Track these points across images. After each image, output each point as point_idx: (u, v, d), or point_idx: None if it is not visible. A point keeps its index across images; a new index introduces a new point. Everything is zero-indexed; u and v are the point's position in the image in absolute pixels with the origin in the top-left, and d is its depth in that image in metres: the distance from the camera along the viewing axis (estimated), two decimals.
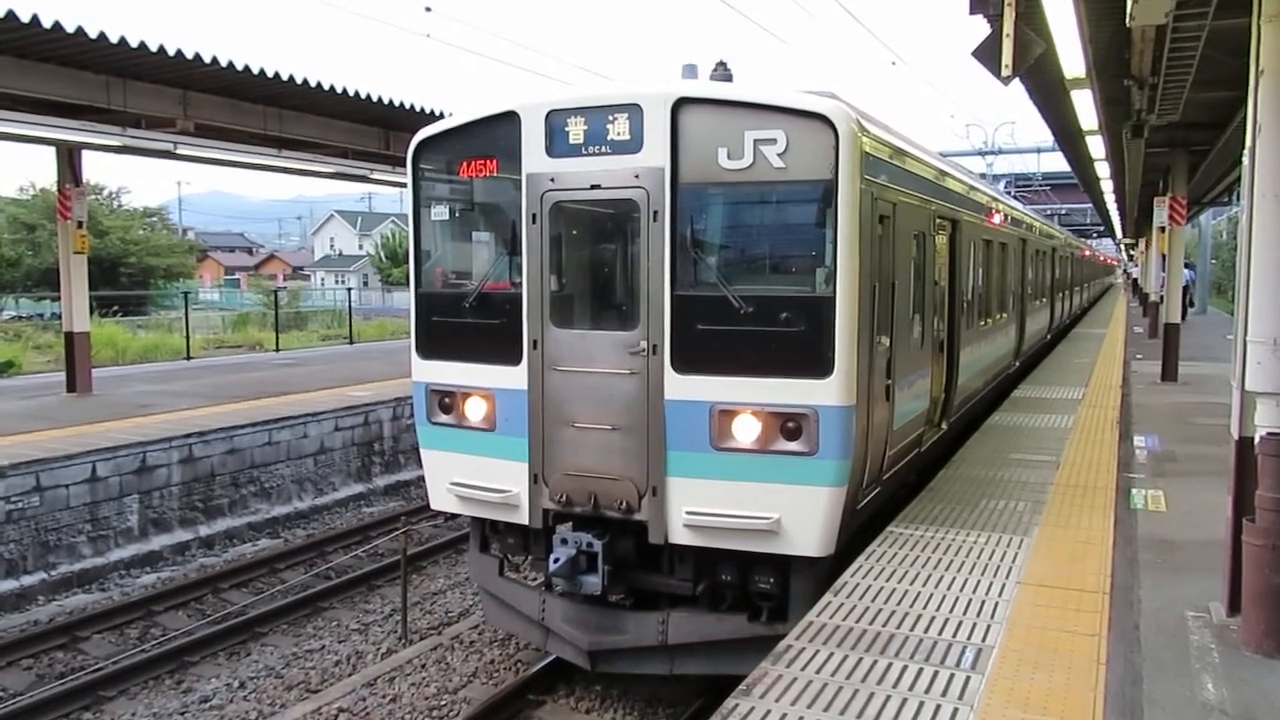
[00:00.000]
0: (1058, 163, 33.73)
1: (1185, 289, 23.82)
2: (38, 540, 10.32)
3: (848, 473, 6.36)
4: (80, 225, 15.01)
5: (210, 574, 10.95)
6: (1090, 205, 40.54)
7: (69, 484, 10.65)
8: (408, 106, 14.14)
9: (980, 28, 7.10)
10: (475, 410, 7.35)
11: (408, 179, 7.70)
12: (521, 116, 6.91)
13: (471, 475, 7.36)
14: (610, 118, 6.62)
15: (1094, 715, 4.36)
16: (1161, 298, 19.30)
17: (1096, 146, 14.56)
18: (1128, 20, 5.92)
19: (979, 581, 6.11)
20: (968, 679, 4.71)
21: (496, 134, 7.12)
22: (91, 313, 17.45)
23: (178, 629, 9.41)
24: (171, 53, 10.92)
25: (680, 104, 6.43)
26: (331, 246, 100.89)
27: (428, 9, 17.11)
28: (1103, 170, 18.82)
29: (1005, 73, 6.77)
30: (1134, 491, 8.55)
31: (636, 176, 6.56)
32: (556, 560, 6.76)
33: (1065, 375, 17.10)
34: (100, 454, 11.02)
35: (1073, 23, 6.99)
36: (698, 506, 6.52)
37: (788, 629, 5.61)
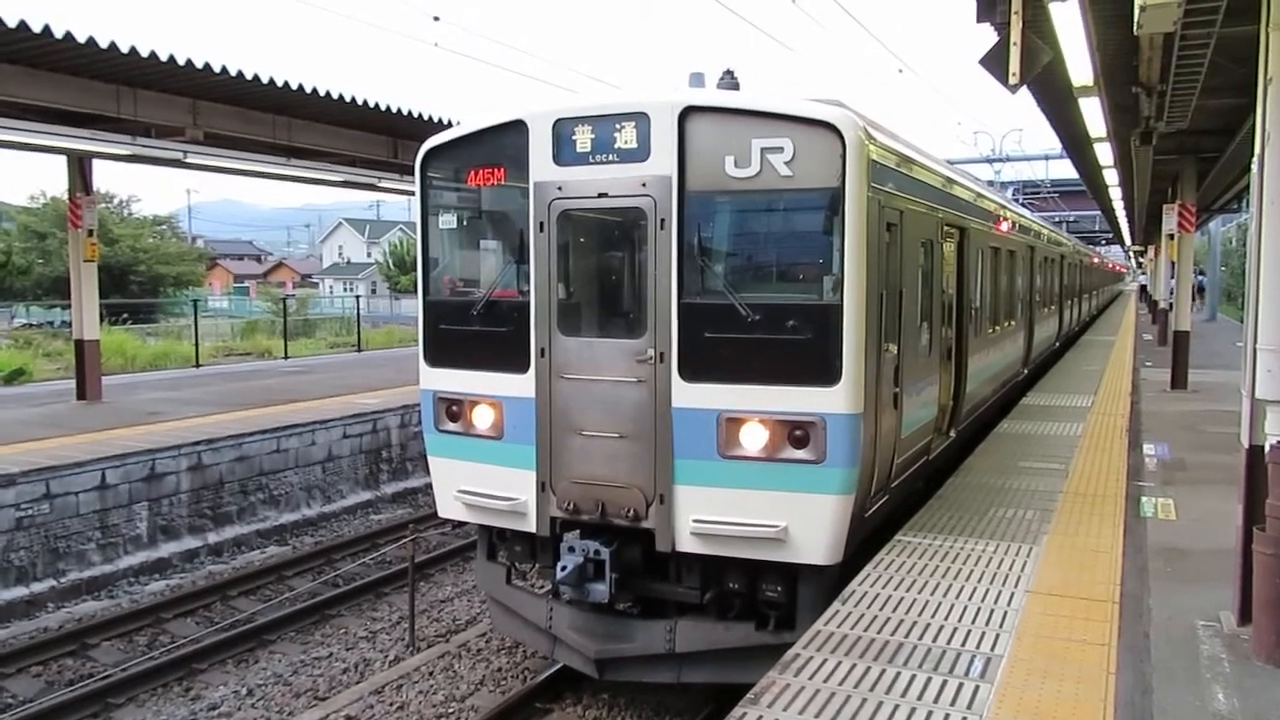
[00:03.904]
0: (1066, 170, 33.68)
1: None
2: (47, 547, 10.35)
3: (855, 481, 6.35)
4: (90, 233, 15.09)
5: (219, 581, 10.97)
6: (1099, 212, 40.46)
7: (79, 491, 10.69)
8: (415, 115, 14.18)
9: (987, 36, 7.11)
10: (483, 418, 7.36)
11: (416, 187, 7.73)
12: (529, 125, 6.93)
13: (479, 483, 7.37)
14: (617, 126, 6.63)
15: None
16: (1171, 304, 19.24)
17: (1105, 153, 14.55)
18: (1135, 28, 5.92)
19: (988, 590, 6.09)
20: (977, 688, 4.69)
21: (504, 143, 7.14)
22: (101, 320, 17.53)
23: (186, 636, 9.43)
24: (181, 62, 10.99)
25: (687, 112, 6.44)
26: (340, 254, 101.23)
27: (436, 18, 17.20)
28: (1111, 177, 18.81)
29: (1012, 81, 6.77)
30: (1144, 500, 8.51)
31: (644, 185, 6.57)
32: (564, 568, 6.74)
33: (1074, 383, 17.05)
34: (110, 461, 11.06)
35: (1080, 30, 7.00)
36: (705, 514, 6.52)
37: (795, 637, 5.60)
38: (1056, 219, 42.38)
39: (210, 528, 12.16)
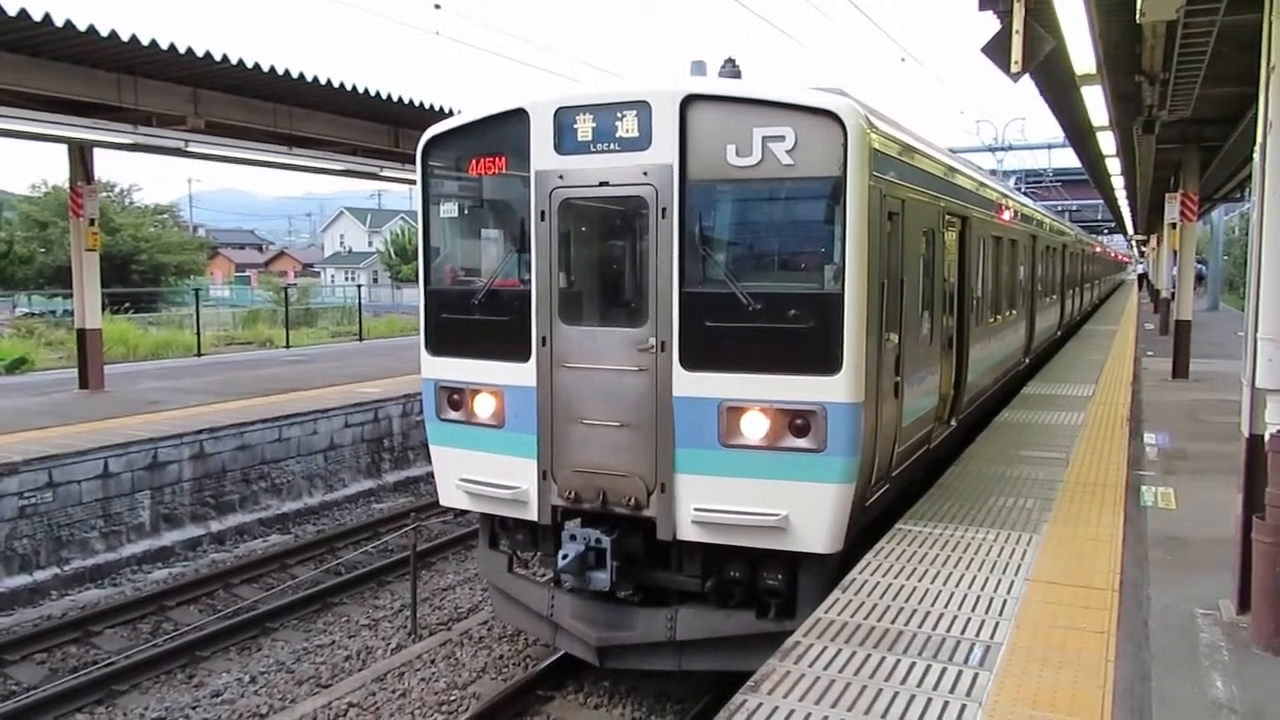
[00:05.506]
0: (1068, 159, 33.62)
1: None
2: (50, 536, 10.39)
3: (856, 469, 6.37)
4: (92, 222, 15.09)
5: (221, 569, 11.00)
6: (1101, 201, 40.38)
7: (81, 480, 10.72)
8: (417, 104, 14.17)
9: (990, 24, 7.09)
10: (484, 407, 7.37)
11: (417, 176, 7.73)
12: (530, 114, 6.92)
13: (480, 471, 7.39)
14: (619, 115, 6.62)
15: (1103, 713, 4.36)
16: (1172, 294, 19.22)
17: (1107, 142, 14.52)
18: (1138, 16, 5.91)
19: (988, 579, 6.11)
20: (976, 676, 4.71)
21: (505, 131, 7.13)
22: (103, 309, 17.56)
23: (189, 624, 9.45)
24: (182, 51, 10.98)
25: (689, 101, 6.43)
26: (341, 243, 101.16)
27: (437, 6, 17.12)
28: (1114, 166, 18.76)
29: (1015, 69, 6.76)
30: (1144, 489, 8.53)
31: (645, 174, 6.57)
32: (565, 556, 6.77)
33: (1076, 372, 17.05)
34: (112, 450, 11.08)
35: (1083, 19, 6.97)
36: (706, 503, 6.53)
37: (796, 626, 5.62)
38: (1059, 208, 42.33)
39: (213, 516, 12.19)
